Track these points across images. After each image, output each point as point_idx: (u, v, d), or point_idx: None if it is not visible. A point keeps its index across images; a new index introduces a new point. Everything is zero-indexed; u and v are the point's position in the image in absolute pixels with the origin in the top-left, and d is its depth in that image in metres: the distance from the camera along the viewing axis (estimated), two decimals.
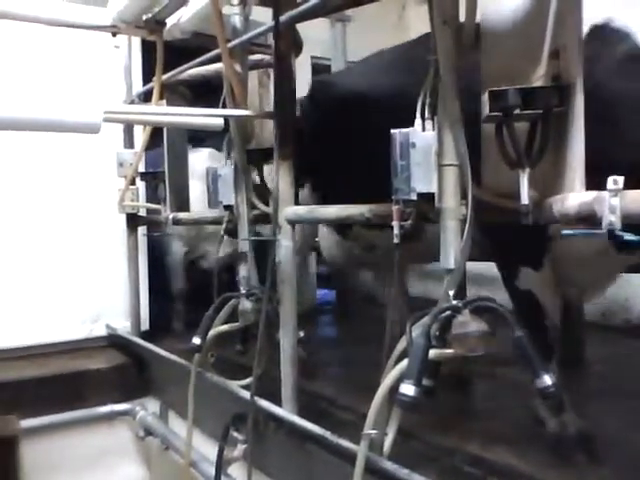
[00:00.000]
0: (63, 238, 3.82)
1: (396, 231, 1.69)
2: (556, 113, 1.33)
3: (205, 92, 2.93)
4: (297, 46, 2.49)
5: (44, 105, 1.92)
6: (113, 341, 3.93)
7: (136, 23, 2.75)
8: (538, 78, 1.40)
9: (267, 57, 2.73)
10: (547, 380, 1.35)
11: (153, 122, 2.69)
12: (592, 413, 2.32)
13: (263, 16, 2.55)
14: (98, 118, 1.88)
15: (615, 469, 1.87)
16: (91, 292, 3.92)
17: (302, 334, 2.32)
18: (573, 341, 2.99)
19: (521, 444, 2.01)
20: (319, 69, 5.20)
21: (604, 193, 1.15)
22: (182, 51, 3.18)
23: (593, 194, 1.20)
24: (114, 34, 2.83)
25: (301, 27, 2.60)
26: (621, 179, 1.12)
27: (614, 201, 1.13)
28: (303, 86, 4.88)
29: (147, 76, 3.67)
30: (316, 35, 4.80)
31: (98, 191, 3.83)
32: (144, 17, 2.70)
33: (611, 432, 2.15)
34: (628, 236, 1.10)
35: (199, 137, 4.20)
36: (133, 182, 3.52)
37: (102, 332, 3.98)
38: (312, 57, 5.12)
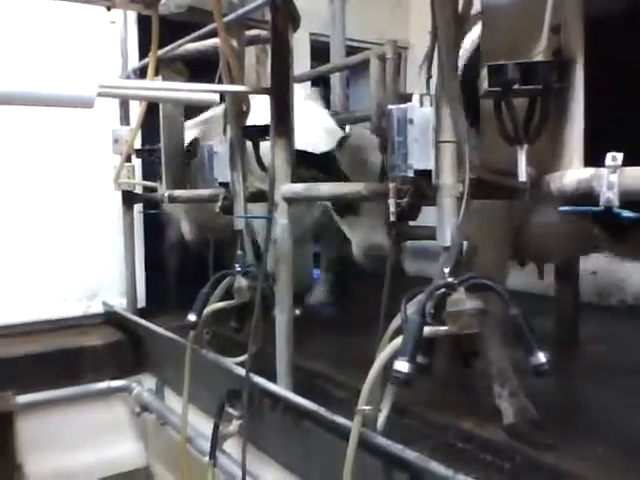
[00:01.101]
0: (60, 216, 3.81)
1: (392, 209, 1.68)
2: (556, 89, 1.31)
3: (202, 68, 2.89)
4: (294, 21, 2.45)
5: (38, 79, 1.90)
6: (109, 318, 3.94)
7: None
8: (538, 53, 1.38)
9: (264, 33, 2.70)
10: (541, 358, 1.35)
11: (148, 97, 2.66)
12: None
13: None
14: (92, 92, 1.86)
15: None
16: (88, 270, 3.93)
17: (298, 312, 2.32)
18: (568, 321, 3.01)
19: None
20: (318, 46, 5.15)
21: (602, 170, 1.14)
22: (179, 26, 3.14)
23: (591, 171, 1.19)
24: (109, 8, 2.79)
25: (299, 2, 2.57)
26: (620, 155, 1.11)
27: (612, 178, 1.12)
28: (303, 63, 4.87)
29: (143, 52, 3.63)
30: (315, 11, 4.75)
31: (95, 168, 3.82)
32: None
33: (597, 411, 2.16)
34: (626, 213, 1.09)
35: None
36: (129, 159, 3.49)
37: (99, 309, 4.00)
38: (311, 34, 5.07)
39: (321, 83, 5.44)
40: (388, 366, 1.49)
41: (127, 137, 3.37)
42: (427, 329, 1.47)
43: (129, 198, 3.72)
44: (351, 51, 4.83)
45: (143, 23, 3.64)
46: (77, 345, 3.54)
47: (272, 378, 2.24)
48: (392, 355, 1.49)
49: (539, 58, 1.37)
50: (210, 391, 2.60)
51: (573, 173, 1.24)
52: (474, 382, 2.41)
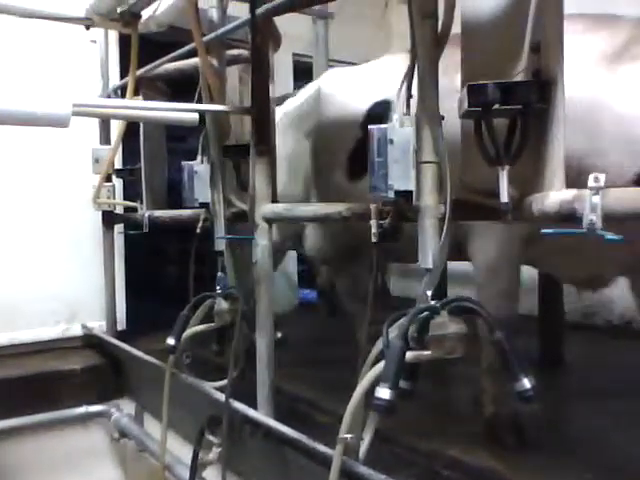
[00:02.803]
0: (38, 236, 3.75)
1: (374, 230, 1.65)
2: (536, 109, 1.29)
3: (184, 88, 2.87)
4: (275, 40, 2.44)
5: (11, 97, 1.86)
6: (89, 341, 3.86)
7: (110, 15, 2.68)
8: (518, 73, 1.36)
9: (245, 52, 2.68)
10: (526, 384, 1.32)
11: (125, 116, 2.63)
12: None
13: (243, 12, 2.50)
14: (67, 110, 1.82)
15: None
16: (67, 291, 3.85)
17: (279, 335, 2.28)
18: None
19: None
20: (301, 66, 5.16)
21: (585, 191, 1.12)
22: (161, 46, 3.13)
23: (573, 192, 1.16)
24: (88, 27, 2.75)
25: (282, 24, 2.56)
26: (602, 176, 1.09)
27: (595, 199, 1.10)
28: (286, 83, 4.87)
29: (124, 71, 3.60)
30: (298, 32, 4.77)
31: (75, 188, 3.76)
32: (119, 9, 2.63)
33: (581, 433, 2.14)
34: (610, 235, 1.07)
35: None
36: (109, 179, 3.44)
37: (78, 332, 3.91)
38: (294, 54, 5.07)
39: None
40: (371, 392, 1.45)
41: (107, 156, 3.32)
42: (410, 354, 1.43)
43: (109, 218, 3.66)
44: None
45: (124, 42, 3.62)
46: (55, 369, 3.46)
47: (254, 402, 2.19)
48: (374, 381, 1.45)
49: (519, 78, 1.35)
50: (190, 417, 2.53)
51: (555, 195, 1.22)
52: (459, 408, 2.38)
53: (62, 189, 3.78)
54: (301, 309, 5.18)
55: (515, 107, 1.29)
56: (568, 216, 1.16)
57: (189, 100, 2.49)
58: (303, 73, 5.17)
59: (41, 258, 3.76)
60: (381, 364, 1.44)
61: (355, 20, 5.14)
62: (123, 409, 3.40)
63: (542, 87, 1.29)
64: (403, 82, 1.59)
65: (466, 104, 1.30)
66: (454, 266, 2.49)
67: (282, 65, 4.65)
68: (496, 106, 1.29)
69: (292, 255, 5.13)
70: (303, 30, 4.96)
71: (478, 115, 1.33)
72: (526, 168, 1.33)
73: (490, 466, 1.88)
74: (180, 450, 2.63)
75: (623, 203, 1.09)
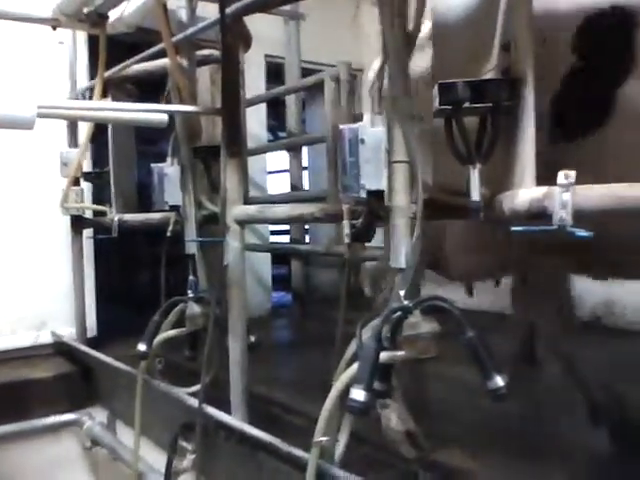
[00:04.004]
0: (4, 242, 3.66)
1: (346, 230, 1.64)
2: (506, 107, 1.29)
3: (153, 89, 2.83)
4: (245, 40, 2.42)
5: None
6: (59, 349, 3.78)
7: (77, 16, 2.62)
8: (488, 71, 1.36)
9: (216, 53, 2.65)
10: (498, 381, 1.32)
11: (93, 118, 2.58)
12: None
13: (213, 12, 2.48)
14: (31, 113, 1.77)
15: None
16: (36, 298, 3.77)
17: (252, 338, 2.25)
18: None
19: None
20: (273, 67, 5.15)
21: (555, 188, 1.12)
22: (130, 47, 3.08)
23: (543, 190, 1.16)
24: (54, 27, 2.69)
25: (255, 25, 2.55)
26: (573, 173, 1.09)
27: (565, 196, 1.10)
28: (258, 85, 4.86)
29: (93, 73, 3.55)
30: (270, 33, 4.75)
31: (42, 192, 3.68)
32: (85, 10, 2.58)
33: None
34: (580, 232, 1.07)
35: None
36: (77, 182, 3.38)
37: (48, 339, 3.83)
38: (266, 55, 5.06)
39: (277, 104, 5.43)
40: (345, 394, 1.44)
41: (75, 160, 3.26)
42: (384, 354, 1.42)
43: (78, 223, 3.59)
44: (306, 73, 4.84)
45: (93, 44, 3.57)
46: (24, 378, 3.38)
47: (227, 407, 2.16)
48: (349, 383, 1.43)
49: (489, 76, 1.35)
50: (163, 424, 2.49)
51: (525, 192, 1.22)
52: (432, 408, 2.38)
53: (29, 193, 3.70)
54: (274, 312, 5.15)
55: (485, 105, 1.29)
56: (539, 214, 1.16)
57: (158, 101, 2.46)
58: (275, 74, 5.16)
59: (8, 264, 3.68)
60: (355, 365, 1.43)
61: (327, 21, 5.14)
62: (95, 417, 3.34)
63: (512, 85, 1.29)
64: (374, 82, 1.58)
65: (436, 102, 1.30)
66: None
67: (254, 66, 4.63)
68: (467, 104, 1.29)
69: (266, 257, 5.11)
70: (275, 31, 4.95)
71: (449, 113, 1.32)
72: (497, 166, 1.33)
73: (466, 466, 1.88)
74: (154, 458, 2.58)
75: (592, 200, 1.09)
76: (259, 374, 2.33)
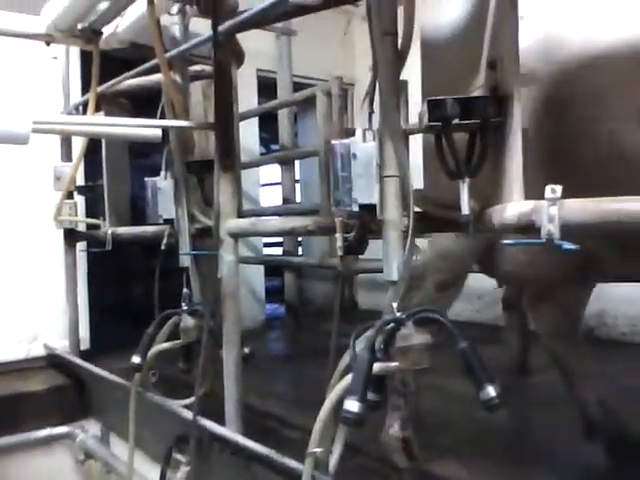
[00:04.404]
0: None
1: (339, 243, 1.67)
2: (494, 123, 1.33)
3: (146, 104, 2.86)
4: (238, 56, 2.46)
5: None
6: (52, 361, 3.78)
7: (71, 32, 2.65)
8: (476, 89, 1.40)
9: (208, 68, 2.69)
10: (491, 392, 1.34)
11: (86, 133, 2.60)
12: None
13: (205, 28, 2.52)
14: (26, 128, 1.79)
15: None
16: (28, 311, 3.77)
17: (247, 350, 2.26)
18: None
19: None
20: (264, 82, 5.19)
21: (542, 202, 1.14)
22: (124, 62, 3.11)
23: (531, 204, 1.19)
24: (48, 43, 2.72)
25: (246, 40, 2.58)
26: (559, 188, 1.12)
27: (552, 210, 1.12)
28: (250, 99, 4.89)
29: (87, 88, 3.57)
30: (262, 48, 4.80)
31: (35, 206, 3.69)
32: (80, 26, 2.61)
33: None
34: (567, 245, 1.10)
35: None
36: (71, 196, 3.39)
37: (41, 352, 3.82)
38: (258, 70, 5.10)
39: (271, 119, 5.47)
40: (339, 405, 1.46)
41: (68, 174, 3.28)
42: (377, 365, 1.44)
43: (71, 236, 3.60)
44: (298, 87, 4.88)
45: (86, 59, 3.59)
46: (16, 391, 3.37)
47: (222, 419, 2.17)
48: (343, 394, 1.45)
49: (477, 93, 1.39)
50: (157, 436, 2.50)
51: (514, 206, 1.25)
52: (425, 419, 2.39)
53: (22, 207, 3.71)
54: (268, 324, 5.16)
55: (474, 122, 1.33)
56: (527, 227, 1.19)
57: (151, 116, 2.49)
58: (267, 89, 5.20)
59: (1, 277, 3.67)
60: (349, 377, 1.45)
61: (318, 37, 5.19)
62: (88, 430, 3.33)
63: (499, 102, 1.33)
64: (365, 97, 1.61)
65: (426, 119, 1.33)
66: None
67: (246, 81, 4.67)
68: (456, 121, 1.32)
69: (259, 269, 5.12)
70: (267, 46, 5.00)
71: (438, 130, 1.36)
72: (486, 181, 1.37)
73: (457, 475, 1.89)
74: (148, 470, 2.58)
75: (578, 213, 1.12)
76: (253, 386, 2.34)
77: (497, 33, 1.38)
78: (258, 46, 4.42)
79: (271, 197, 6.73)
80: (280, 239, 6.07)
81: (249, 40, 2.63)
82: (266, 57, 5.01)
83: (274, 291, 5.99)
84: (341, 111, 3.71)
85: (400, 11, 1.53)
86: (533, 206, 1.17)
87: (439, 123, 1.33)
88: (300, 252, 5.66)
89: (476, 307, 4.54)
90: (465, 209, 1.34)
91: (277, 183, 5.66)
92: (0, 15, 2.72)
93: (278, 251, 7.06)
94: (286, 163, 4.99)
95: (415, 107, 1.50)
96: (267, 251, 6.12)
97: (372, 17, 1.52)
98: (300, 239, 5.58)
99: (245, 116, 4.44)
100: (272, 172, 6.67)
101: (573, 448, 2.14)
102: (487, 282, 2.41)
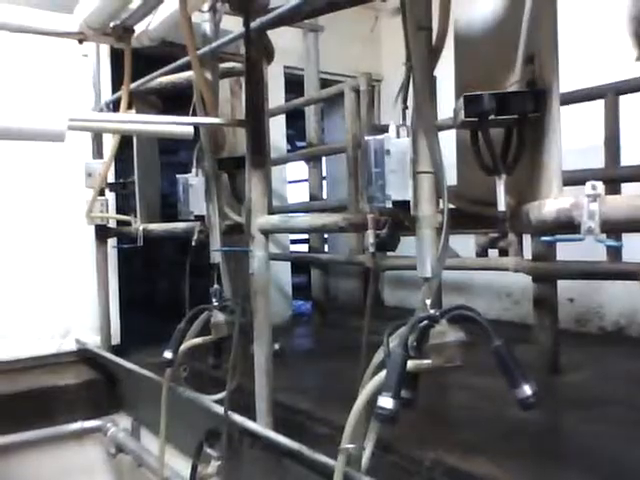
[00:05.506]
0: (31, 251, 3.73)
1: (371, 240, 1.66)
2: (532, 118, 1.31)
3: (177, 102, 2.88)
4: (269, 53, 2.46)
5: (8, 113, 1.86)
6: (83, 356, 3.84)
7: (103, 30, 2.69)
8: (513, 83, 1.38)
9: (238, 65, 2.70)
10: (527, 390, 1.32)
11: (120, 130, 2.63)
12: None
13: (235, 26, 2.52)
14: (63, 126, 1.82)
15: None
16: (60, 306, 3.83)
17: (277, 346, 2.27)
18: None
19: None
20: (292, 79, 5.20)
21: (582, 199, 1.13)
22: (154, 60, 3.14)
23: (571, 200, 1.17)
24: (80, 41, 2.76)
25: (274, 37, 2.58)
26: (600, 184, 1.10)
27: (593, 207, 1.11)
28: (277, 96, 4.91)
29: (117, 85, 3.61)
30: (289, 45, 4.81)
31: (68, 202, 3.75)
32: (112, 24, 2.64)
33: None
34: (608, 242, 1.08)
35: None
36: (102, 193, 3.44)
37: (72, 347, 3.89)
38: (285, 67, 5.11)
39: (296, 116, 5.48)
40: (372, 402, 1.46)
41: (100, 170, 3.32)
42: (410, 363, 1.43)
43: (102, 232, 3.65)
44: (325, 84, 4.89)
45: (116, 56, 3.64)
46: (49, 385, 3.43)
47: (252, 414, 2.18)
48: (376, 390, 1.45)
49: (514, 88, 1.37)
50: (188, 430, 2.52)
51: (552, 203, 1.23)
52: (454, 414, 2.38)
53: (55, 204, 3.77)
54: (295, 320, 5.18)
55: (511, 117, 1.31)
56: (566, 224, 1.17)
57: (180, 114, 2.51)
58: (294, 86, 5.21)
59: (34, 273, 3.74)
60: (382, 373, 1.45)
61: (345, 33, 5.18)
62: (119, 424, 3.38)
63: (537, 97, 1.31)
64: (399, 93, 1.60)
65: (462, 115, 1.32)
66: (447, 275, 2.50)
67: (273, 78, 4.68)
68: (492, 116, 1.30)
69: (286, 266, 5.14)
70: (294, 43, 5.01)
71: (475, 125, 1.34)
72: (523, 176, 1.35)
73: (489, 473, 1.88)
74: (178, 464, 2.61)
75: (620, 210, 1.10)
76: (281, 381, 2.34)
77: (534, 27, 1.36)
78: (285, 43, 4.43)
79: (297, 194, 6.74)
80: (306, 236, 6.09)
81: (276, 37, 2.63)
82: (293, 54, 5.02)
83: (300, 288, 6.01)
84: (369, 107, 3.70)
85: (434, 5, 1.52)
86: (573, 202, 1.15)
87: (475, 118, 1.31)
88: (326, 249, 5.67)
89: (505, 305, 4.50)
90: (502, 205, 1.33)
91: (304, 180, 5.67)
92: (33, 14, 2.77)
93: (303, 248, 7.08)
94: (313, 160, 5.00)
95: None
96: (293, 248, 6.13)
97: (406, 11, 1.51)
98: (326, 236, 5.58)
99: (273, 113, 4.46)
100: (298, 169, 6.69)
101: (605, 447, 2.11)
102: (516, 280, 2.38)
